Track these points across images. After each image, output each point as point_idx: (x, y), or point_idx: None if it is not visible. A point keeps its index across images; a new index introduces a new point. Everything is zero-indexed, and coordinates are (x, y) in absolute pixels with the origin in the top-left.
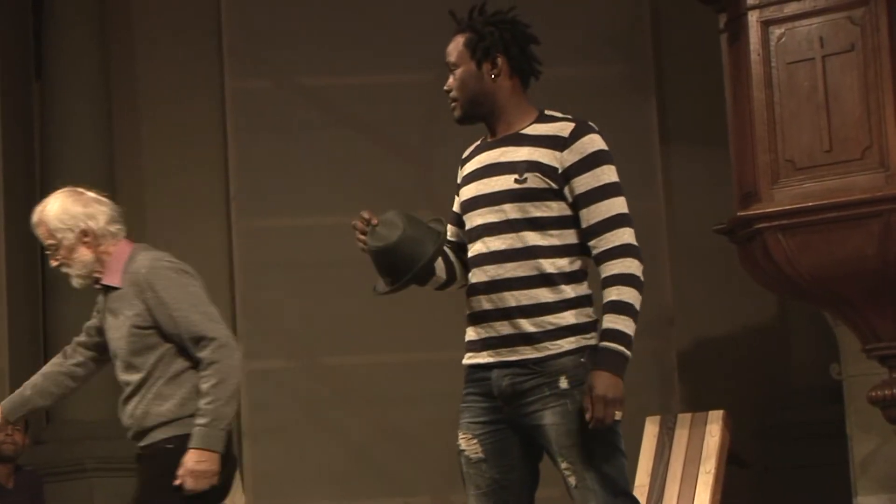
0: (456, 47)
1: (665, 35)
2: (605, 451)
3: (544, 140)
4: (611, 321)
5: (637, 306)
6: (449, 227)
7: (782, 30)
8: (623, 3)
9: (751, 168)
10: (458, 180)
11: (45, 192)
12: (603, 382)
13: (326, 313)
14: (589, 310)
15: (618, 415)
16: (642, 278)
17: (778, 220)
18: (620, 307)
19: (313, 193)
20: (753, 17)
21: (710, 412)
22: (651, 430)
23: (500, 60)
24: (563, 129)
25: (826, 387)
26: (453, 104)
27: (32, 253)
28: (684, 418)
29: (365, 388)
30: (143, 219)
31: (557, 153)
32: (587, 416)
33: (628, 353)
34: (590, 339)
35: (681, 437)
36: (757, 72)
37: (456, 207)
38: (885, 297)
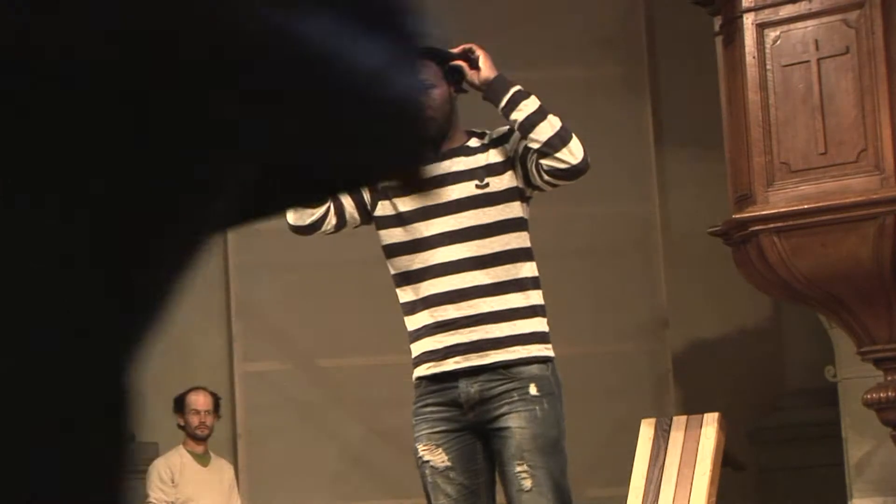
0: (428, 71)
1: (660, 37)
2: (561, 462)
3: (486, 146)
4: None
5: (546, 114)
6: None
7: (777, 32)
8: (618, 5)
9: (746, 170)
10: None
11: None
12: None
13: (322, 315)
14: (545, 319)
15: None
16: (562, 127)
17: (773, 223)
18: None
19: None
20: (748, 20)
21: (706, 414)
22: (646, 432)
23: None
24: (489, 132)
25: (821, 389)
26: None
27: None
28: (679, 421)
29: (360, 390)
30: None
31: (504, 147)
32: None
33: (516, 84)
34: (550, 350)
35: (676, 439)
36: (752, 74)
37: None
38: (879, 299)
